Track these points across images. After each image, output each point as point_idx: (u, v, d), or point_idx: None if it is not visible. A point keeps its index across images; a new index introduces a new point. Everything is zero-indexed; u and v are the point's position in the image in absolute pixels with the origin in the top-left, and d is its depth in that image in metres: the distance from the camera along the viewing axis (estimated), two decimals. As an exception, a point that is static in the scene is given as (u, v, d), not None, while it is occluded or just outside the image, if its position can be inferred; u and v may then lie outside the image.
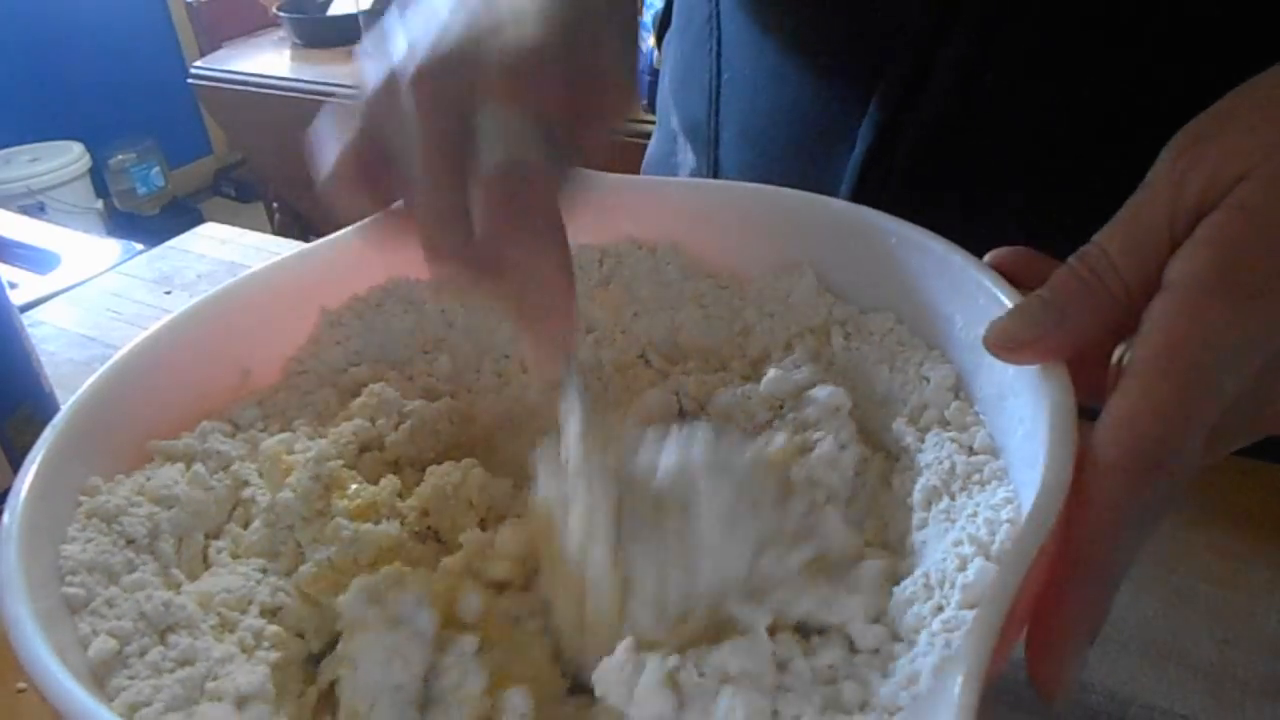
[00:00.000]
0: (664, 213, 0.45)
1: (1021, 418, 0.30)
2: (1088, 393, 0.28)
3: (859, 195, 0.49)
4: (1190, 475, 0.25)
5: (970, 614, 0.27)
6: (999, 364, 0.32)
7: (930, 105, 0.46)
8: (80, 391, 0.34)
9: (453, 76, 0.29)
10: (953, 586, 0.29)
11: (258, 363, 0.41)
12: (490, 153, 0.29)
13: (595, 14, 0.32)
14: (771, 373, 0.39)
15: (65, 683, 0.25)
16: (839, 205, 0.42)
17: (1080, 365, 0.28)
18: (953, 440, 0.34)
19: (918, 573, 0.31)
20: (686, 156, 0.61)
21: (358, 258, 0.42)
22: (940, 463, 0.34)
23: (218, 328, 0.40)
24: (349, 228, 0.41)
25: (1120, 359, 0.28)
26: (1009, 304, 0.32)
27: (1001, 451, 0.33)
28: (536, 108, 0.29)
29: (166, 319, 0.39)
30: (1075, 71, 0.43)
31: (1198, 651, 0.38)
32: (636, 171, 0.69)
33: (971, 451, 0.34)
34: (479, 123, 0.29)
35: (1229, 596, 0.40)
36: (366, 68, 0.31)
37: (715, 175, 0.58)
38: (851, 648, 0.31)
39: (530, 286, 0.30)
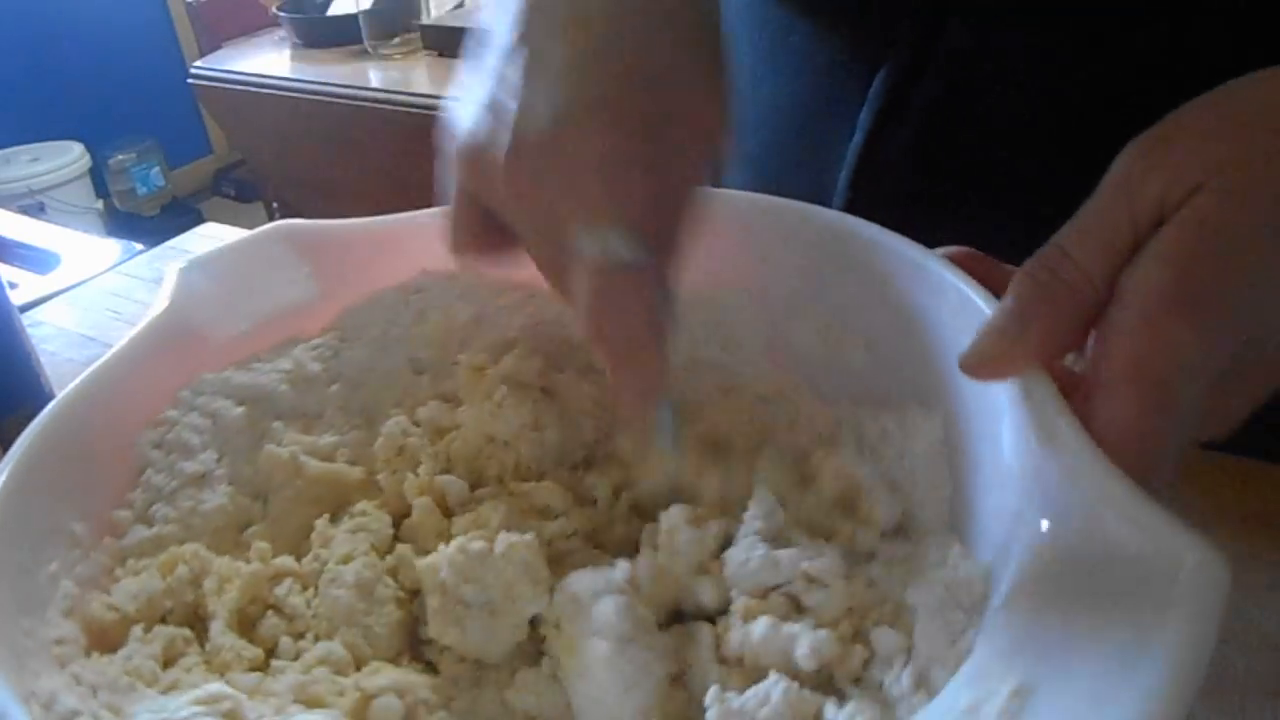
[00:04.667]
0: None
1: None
2: None
3: (857, 182, 0.49)
4: (1164, 482, 0.25)
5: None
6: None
7: (929, 93, 0.46)
8: None
9: (544, 187, 0.30)
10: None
11: (89, 518, 0.35)
12: (583, 262, 0.30)
13: (668, 40, 0.32)
14: None
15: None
16: None
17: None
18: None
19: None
20: None
21: (149, 373, 0.38)
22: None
23: (39, 491, 0.33)
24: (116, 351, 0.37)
25: (1072, 362, 0.29)
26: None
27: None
28: (623, 214, 0.30)
29: None
30: (1073, 61, 0.43)
31: (1198, 651, 0.38)
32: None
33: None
34: (577, 242, 0.30)
35: (1229, 596, 0.40)
36: (456, 128, 0.32)
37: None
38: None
39: (620, 376, 0.31)
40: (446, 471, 0.41)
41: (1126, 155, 0.27)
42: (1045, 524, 0.26)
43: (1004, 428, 0.30)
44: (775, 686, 0.29)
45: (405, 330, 0.44)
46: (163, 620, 0.34)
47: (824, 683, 0.31)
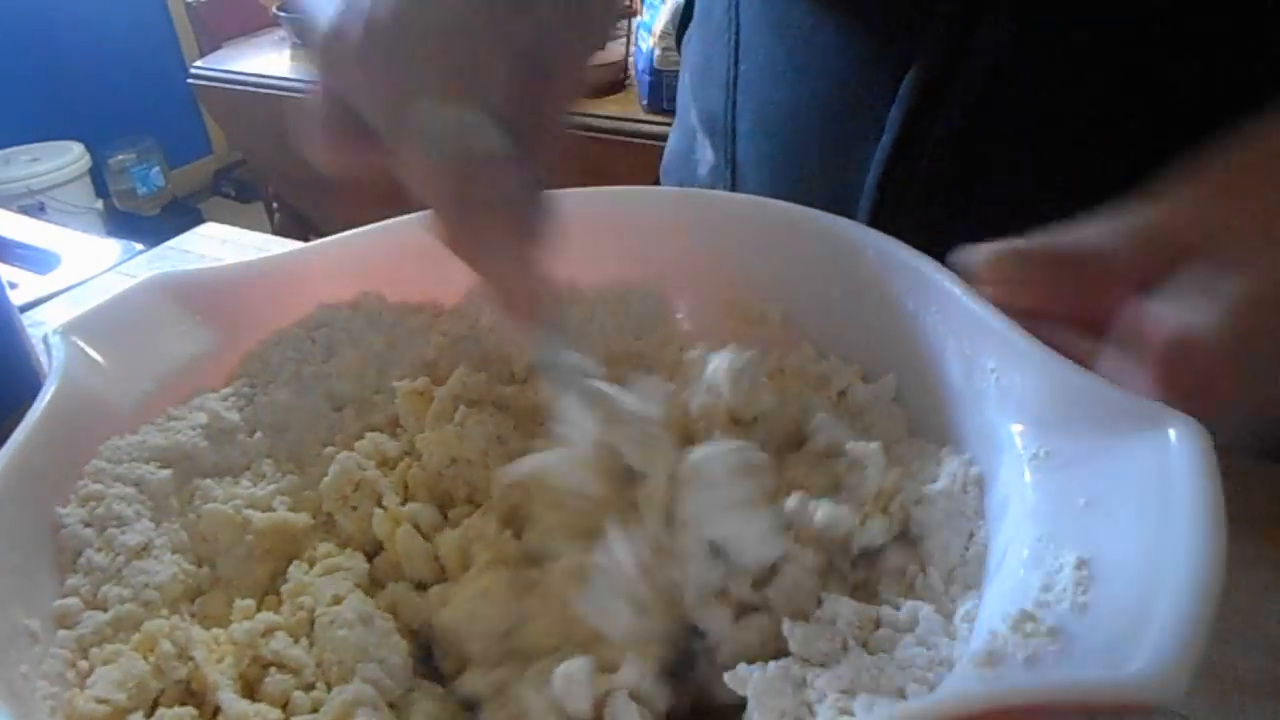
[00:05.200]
0: (343, 268, 0.44)
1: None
2: None
3: (885, 183, 0.48)
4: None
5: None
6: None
7: (961, 95, 0.45)
8: None
9: (390, 61, 0.28)
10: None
11: (38, 613, 0.32)
12: (431, 149, 0.28)
13: None
14: None
15: None
16: None
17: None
18: None
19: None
20: (705, 153, 0.61)
21: (62, 451, 0.35)
22: None
23: None
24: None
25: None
26: None
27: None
28: (476, 90, 0.28)
29: None
30: (1109, 57, 0.42)
31: (1198, 651, 0.38)
32: (654, 173, 0.69)
33: None
34: (418, 118, 0.28)
35: (1229, 596, 0.40)
36: (314, 24, 0.30)
37: (733, 169, 0.58)
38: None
39: (496, 282, 0.29)
40: (406, 501, 0.40)
41: (1139, 211, 0.29)
42: (1021, 428, 0.28)
43: (947, 356, 0.32)
44: (838, 603, 0.31)
45: (319, 367, 0.42)
46: (154, 704, 0.32)
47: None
